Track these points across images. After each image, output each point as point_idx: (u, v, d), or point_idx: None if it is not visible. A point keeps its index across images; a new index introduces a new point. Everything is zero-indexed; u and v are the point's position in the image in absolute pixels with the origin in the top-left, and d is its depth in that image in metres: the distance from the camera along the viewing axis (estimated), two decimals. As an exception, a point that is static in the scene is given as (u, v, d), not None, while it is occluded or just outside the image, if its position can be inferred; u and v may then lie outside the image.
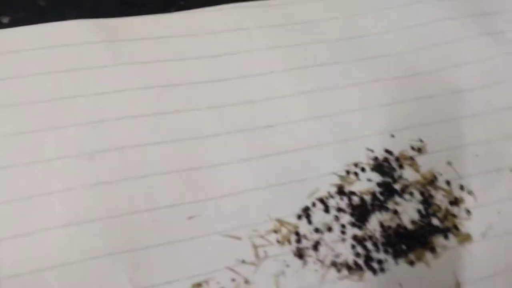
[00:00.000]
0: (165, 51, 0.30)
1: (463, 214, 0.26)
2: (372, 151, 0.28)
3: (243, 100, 0.29)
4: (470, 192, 0.27)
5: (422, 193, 0.27)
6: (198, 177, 0.26)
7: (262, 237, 0.25)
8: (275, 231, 0.25)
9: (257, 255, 0.24)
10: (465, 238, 0.26)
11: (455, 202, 0.27)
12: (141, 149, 0.26)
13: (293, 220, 0.25)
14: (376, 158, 0.28)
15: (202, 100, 0.28)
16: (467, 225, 0.26)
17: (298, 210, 0.26)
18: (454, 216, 0.26)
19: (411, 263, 0.25)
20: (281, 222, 0.25)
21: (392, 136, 0.29)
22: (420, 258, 0.25)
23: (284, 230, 0.25)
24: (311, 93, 0.30)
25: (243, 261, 0.24)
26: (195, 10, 0.32)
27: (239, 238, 0.24)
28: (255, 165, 0.27)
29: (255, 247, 0.24)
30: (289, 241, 0.25)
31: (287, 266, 0.24)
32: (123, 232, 0.24)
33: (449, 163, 0.28)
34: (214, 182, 0.26)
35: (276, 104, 0.29)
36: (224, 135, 0.27)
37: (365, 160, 0.28)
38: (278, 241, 0.25)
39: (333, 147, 0.28)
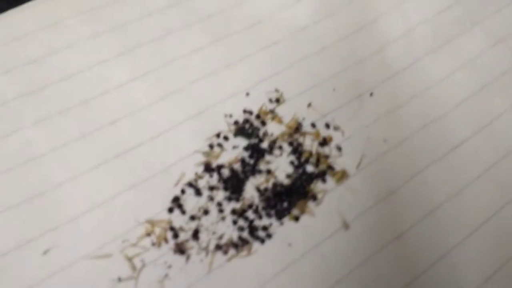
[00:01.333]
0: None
1: (334, 152, 0.26)
2: (230, 115, 0.26)
3: (75, 103, 0.25)
4: (336, 128, 0.26)
5: (291, 144, 0.26)
6: (43, 204, 0.22)
7: (134, 245, 0.22)
8: (148, 234, 0.22)
9: (133, 267, 0.21)
10: (342, 176, 0.25)
11: (324, 142, 0.26)
12: (-36, 194, 0.22)
13: (165, 215, 0.23)
14: (236, 122, 0.26)
15: (26, 116, 0.25)
16: (341, 162, 0.25)
17: (167, 203, 0.23)
18: (326, 157, 0.25)
19: (296, 218, 0.23)
20: (152, 222, 0.23)
21: (247, 94, 0.27)
22: (303, 211, 0.24)
23: (157, 230, 0.22)
24: (148, 74, 0.27)
25: (119, 279, 0.21)
26: (-9, 16, 0.27)
27: (109, 256, 0.22)
28: (108, 170, 0.24)
29: (129, 259, 0.22)
30: (165, 240, 0.22)
31: (169, 267, 0.22)
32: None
33: (309, 105, 0.27)
34: (64, 204, 0.22)
35: (114, 96, 0.26)
36: (61, 148, 0.24)
37: (225, 127, 0.26)
38: (153, 244, 0.22)
39: (189, 124, 0.26)
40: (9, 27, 0.28)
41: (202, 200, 0.24)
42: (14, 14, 0.28)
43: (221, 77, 0.27)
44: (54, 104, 0.25)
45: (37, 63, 0.27)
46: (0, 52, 0.27)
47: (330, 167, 0.25)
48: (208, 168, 0.24)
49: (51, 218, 0.22)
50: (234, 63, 0.28)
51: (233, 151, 0.25)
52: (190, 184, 0.24)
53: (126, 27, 0.28)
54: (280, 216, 0.23)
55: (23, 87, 0.25)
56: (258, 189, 0.24)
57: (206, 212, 0.23)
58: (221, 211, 0.23)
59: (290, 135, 0.26)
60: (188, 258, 0.22)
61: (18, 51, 0.27)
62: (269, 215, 0.23)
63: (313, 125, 0.26)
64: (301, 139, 0.26)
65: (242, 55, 0.28)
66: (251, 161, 0.25)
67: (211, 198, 0.24)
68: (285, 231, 0.23)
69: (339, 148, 0.26)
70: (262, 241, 0.23)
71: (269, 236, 0.23)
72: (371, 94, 0.28)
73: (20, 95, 0.25)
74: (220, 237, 0.23)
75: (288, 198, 0.24)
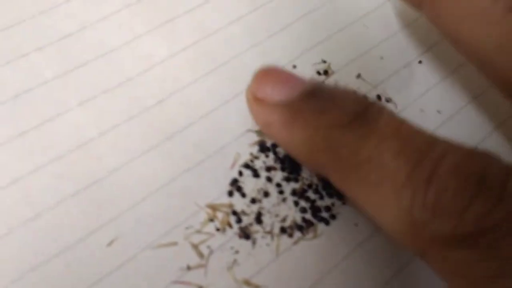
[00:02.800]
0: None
1: (389, 126, 0.25)
2: (279, 90, 0.25)
3: (118, 81, 0.24)
4: (388, 100, 0.26)
5: (343, 118, 0.25)
6: (100, 192, 0.21)
7: (199, 232, 0.21)
8: (211, 219, 0.22)
9: (200, 254, 0.21)
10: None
11: (378, 115, 0.25)
12: (16, 186, 0.21)
13: (225, 199, 0.22)
14: (286, 97, 0.25)
15: (69, 97, 0.23)
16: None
17: (226, 186, 0.23)
18: (382, 131, 0.25)
19: (358, 197, 0.23)
20: (213, 206, 0.22)
21: (294, 66, 0.26)
22: (365, 189, 0.23)
23: (220, 215, 0.22)
24: (190, 47, 0.26)
25: (189, 267, 0.21)
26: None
27: (174, 244, 0.21)
28: (160, 153, 0.23)
29: (195, 246, 0.21)
30: (229, 225, 0.22)
31: (237, 252, 0.21)
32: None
33: (358, 76, 0.26)
34: (121, 191, 0.22)
35: (157, 73, 0.25)
36: (111, 131, 0.23)
37: (275, 103, 0.25)
38: (218, 230, 0.22)
39: (238, 100, 0.25)
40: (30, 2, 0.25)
41: (261, 182, 0.23)
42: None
43: (265, 48, 0.26)
44: (97, 83, 0.24)
45: (70, 38, 0.25)
46: (28, 27, 0.25)
47: (387, 142, 0.24)
48: (263, 148, 0.24)
49: (111, 207, 0.21)
50: (277, 33, 0.27)
51: (286, 128, 0.24)
52: (246, 166, 0.23)
53: (162, -4, 0.26)
54: (341, 195, 0.23)
55: (61, 66, 0.24)
56: (316, 168, 0.23)
57: (266, 194, 0.23)
58: (281, 192, 0.23)
59: (342, 109, 0.25)
60: (254, 242, 0.22)
61: (47, 25, 0.25)
62: (330, 195, 0.23)
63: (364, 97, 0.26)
64: (354, 113, 0.25)
65: (283, 25, 0.27)
66: (306, 138, 0.24)
67: (269, 179, 0.23)
68: (348, 210, 0.23)
69: (393, 122, 0.25)
70: (327, 222, 0.22)
71: (333, 217, 0.22)
72: (420, 62, 0.27)
73: (60, 75, 0.24)
74: (284, 220, 0.22)
75: (349, 177, 0.23)
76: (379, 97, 0.26)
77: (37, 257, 0.20)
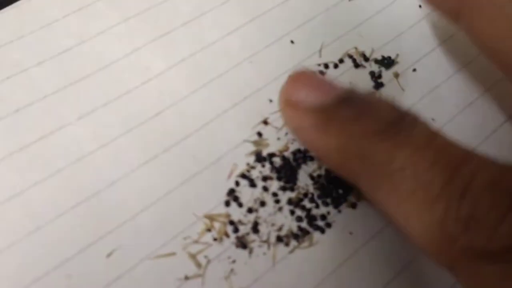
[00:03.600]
0: (-1, 68, 0.24)
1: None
2: (271, 100, 0.26)
3: (117, 94, 0.24)
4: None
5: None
6: (99, 204, 0.22)
7: (196, 242, 0.22)
8: (209, 229, 0.22)
9: (198, 264, 0.21)
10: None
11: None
12: (17, 199, 0.21)
13: (222, 209, 0.23)
14: (281, 107, 0.25)
15: (69, 111, 0.24)
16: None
17: (223, 196, 0.23)
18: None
19: (353, 205, 0.23)
20: (210, 217, 0.22)
21: (289, 76, 0.26)
22: (360, 197, 0.24)
23: (217, 225, 0.22)
24: (187, 59, 0.26)
25: (186, 277, 0.21)
26: (18, 2, 0.26)
27: (173, 254, 0.21)
28: (158, 165, 0.23)
29: (193, 256, 0.21)
30: (226, 234, 0.22)
31: (234, 262, 0.22)
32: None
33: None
34: (119, 203, 0.22)
35: (154, 86, 0.25)
36: (110, 144, 0.23)
37: (271, 113, 0.25)
38: (215, 239, 0.22)
39: (235, 110, 0.25)
40: (34, 13, 0.26)
41: (257, 191, 0.23)
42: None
43: (261, 58, 0.27)
44: (96, 96, 0.24)
45: (70, 52, 0.25)
46: (29, 41, 0.25)
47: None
48: (259, 158, 0.24)
49: (109, 219, 0.22)
50: (273, 43, 0.27)
51: (283, 138, 0.25)
52: (243, 176, 0.23)
53: (157, 10, 0.27)
54: (337, 204, 0.23)
55: (61, 80, 0.24)
56: (311, 177, 0.24)
57: (262, 203, 0.23)
58: (277, 201, 0.23)
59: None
60: (251, 251, 0.22)
61: (47, 40, 0.25)
62: (325, 204, 0.23)
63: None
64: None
65: (279, 35, 0.27)
66: (302, 148, 0.24)
67: (265, 189, 0.23)
68: (344, 218, 0.23)
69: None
70: (322, 230, 0.23)
71: (328, 225, 0.23)
72: (414, 70, 0.28)
73: (60, 89, 0.24)
74: (280, 229, 0.23)
75: (343, 185, 0.24)
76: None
77: (38, 269, 0.20)
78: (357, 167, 0.18)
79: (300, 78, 0.20)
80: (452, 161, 0.17)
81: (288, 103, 0.20)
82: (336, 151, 0.19)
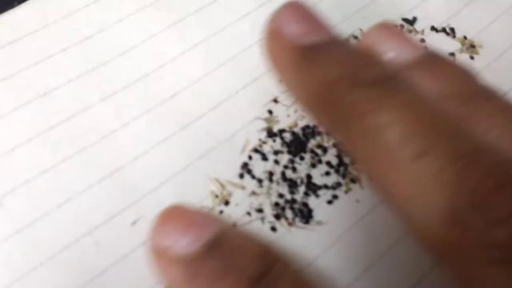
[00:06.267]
0: (24, 56, 0.26)
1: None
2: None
3: (136, 78, 0.26)
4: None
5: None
6: (123, 178, 0.24)
7: (212, 210, 0.23)
8: (221, 198, 0.24)
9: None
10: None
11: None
12: (48, 174, 0.23)
13: (237, 181, 0.24)
14: (290, 86, 0.27)
15: (92, 94, 0.25)
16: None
17: (237, 169, 0.25)
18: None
19: (353, 181, 0.25)
20: (223, 185, 0.24)
21: (298, 58, 0.28)
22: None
23: (225, 192, 0.24)
24: (201, 44, 0.28)
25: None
26: (39, -5, 0.28)
27: (191, 222, 0.23)
28: (176, 142, 0.25)
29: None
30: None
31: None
32: (70, 270, 0.21)
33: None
34: (141, 177, 0.24)
35: (171, 69, 0.27)
36: (131, 123, 0.25)
37: (280, 92, 0.27)
38: (226, 204, 0.24)
39: (247, 90, 0.27)
40: (57, 3, 0.28)
41: (269, 164, 0.25)
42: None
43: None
44: (116, 80, 0.26)
45: (91, 39, 0.27)
46: (53, 31, 0.27)
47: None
48: (270, 133, 0.25)
49: (133, 191, 0.23)
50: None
51: (293, 115, 0.26)
52: (256, 150, 0.25)
53: (173, -2, 0.28)
54: (343, 175, 0.25)
55: (84, 65, 0.26)
56: (320, 149, 0.25)
57: (271, 174, 0.25)
58: (286, 174, 0.25)
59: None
60: (263, 220, 0.23)
61: (70, 28, 0.27)
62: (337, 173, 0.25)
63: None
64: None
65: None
66: (310, 123, 0.26)
67: (276, 162, 0.25)
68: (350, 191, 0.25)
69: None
70: (330, 202, 0.24)
71: (335, 196, 0.24)
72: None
73: (83, 73, 0.26)
74: (286, 201, 0.24)
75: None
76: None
77: (69, 237, 0.22)
78: None
79: (171, 216, 0.16)
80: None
81: (154, 251, 0.15)
82: None
